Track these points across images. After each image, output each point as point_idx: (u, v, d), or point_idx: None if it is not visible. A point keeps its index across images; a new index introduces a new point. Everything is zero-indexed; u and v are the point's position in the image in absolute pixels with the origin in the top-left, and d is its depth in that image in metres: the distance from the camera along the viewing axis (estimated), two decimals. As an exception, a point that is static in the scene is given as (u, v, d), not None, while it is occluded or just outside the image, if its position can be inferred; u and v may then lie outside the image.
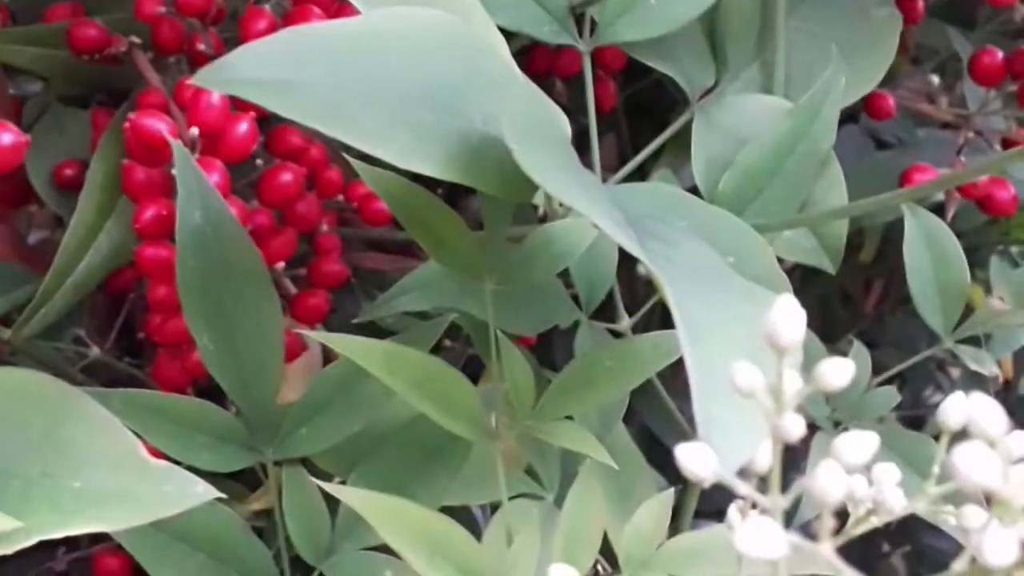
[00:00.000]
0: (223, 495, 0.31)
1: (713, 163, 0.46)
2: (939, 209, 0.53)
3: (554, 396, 0.37)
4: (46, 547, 0.46)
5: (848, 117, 0.65)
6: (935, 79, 0.65)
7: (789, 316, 0.23)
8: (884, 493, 0.24)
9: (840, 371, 0.21)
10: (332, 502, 0.39)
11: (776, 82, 0.48)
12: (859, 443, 0.21)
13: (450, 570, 0.34)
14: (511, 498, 0.40)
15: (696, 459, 0.23)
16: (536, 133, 0.32)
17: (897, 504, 0.24)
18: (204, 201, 0.37)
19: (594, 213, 0.29)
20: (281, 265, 0.44)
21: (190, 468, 0.32)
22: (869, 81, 0.48)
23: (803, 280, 0.81)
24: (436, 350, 0.53)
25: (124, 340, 0.52)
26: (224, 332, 0.37)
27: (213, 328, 0.37)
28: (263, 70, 0.31)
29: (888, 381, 0.49)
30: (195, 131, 0.38)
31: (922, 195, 0.45)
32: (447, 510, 0.37)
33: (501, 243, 0.37)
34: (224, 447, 0.38)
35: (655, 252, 0.31)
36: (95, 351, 0.46)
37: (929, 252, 0.47)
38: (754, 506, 0.23)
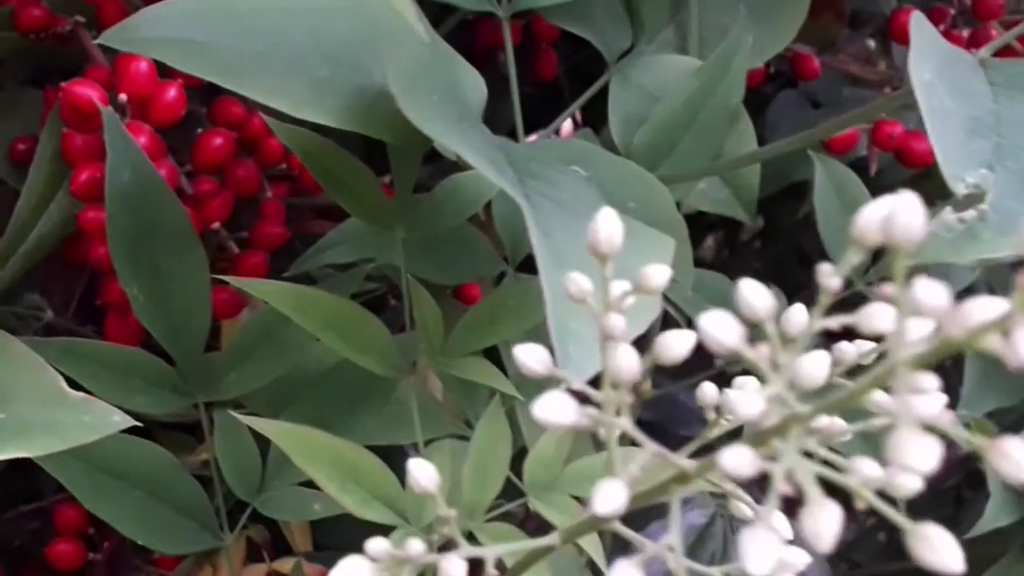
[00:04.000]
0: (138, 423, 0.33)
1: (629, 120, 0.48)
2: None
3: (462, 334, 0.39)
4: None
5: (788, 83, 0.67)
6: (871, 43, 0.67)
7: (609, 227, 0.25)
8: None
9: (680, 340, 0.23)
10: (264, 444, 0.41)
11: (690, 43, 0.50)
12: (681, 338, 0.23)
13: (362, 494, 0.37)
14: (440, 439, 0.43)
15: (531, 358, 0.25)
16: (424, 83, 0.35)
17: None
18: (132, 162, 0.39)
19: (467, 152, 0.32)
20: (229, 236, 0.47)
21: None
22: (780, 41, 0.51)
23: (763, 242, 0.83)
24: (381, 308, 0.55)
25: (86, 308, 0.55)
26: (152, 283, 0.39)
27: (141, 280, 0.39)
28: (166, 30, 0.33)
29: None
30: (124, 97, 0.41)
31: (820, 137, 0.47)
32: (384, 452, 0.40)
33: (408, 193, 0.40)
34: (157, 391, 0.40)
35: (531, 189, 0.34)
36: (49, 314, 0.49)
37: (839, 200, 0.49)
38: (588, 400, 0.25)
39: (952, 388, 0.64)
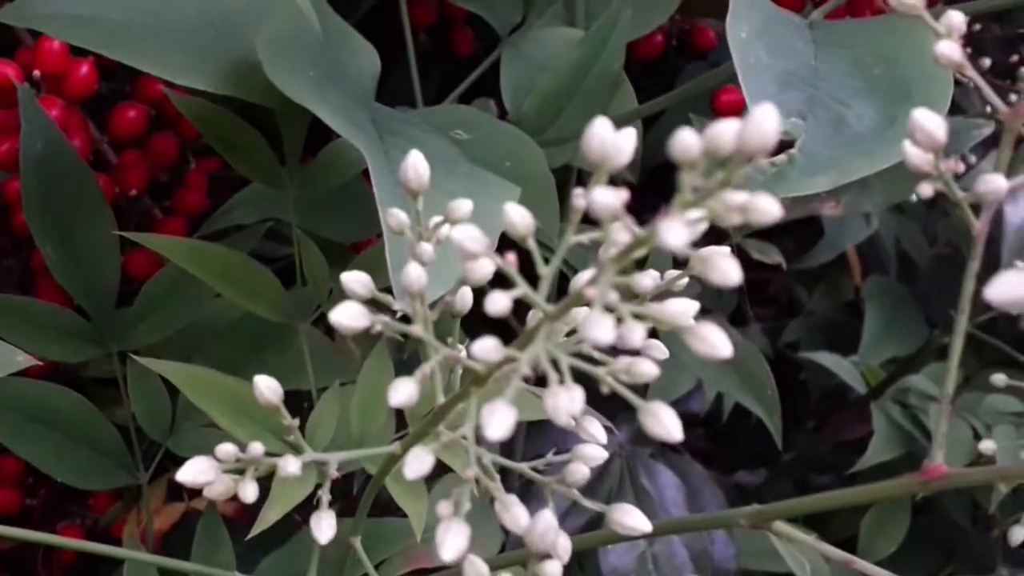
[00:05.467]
0: (37, 362, 0.37)
1: (519, 89, 0.52)
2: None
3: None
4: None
5: (697, 56, 0.71)
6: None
7: (417, 168, 0.29)
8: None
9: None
10: (176, 390, 0.45)
11: (577, 16, 0.53)
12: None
13: (253, 427, 0.41)
14: (342, 384, 0.47)
15: (356, 282, 0.29)
16: (297, 52, 0.38)
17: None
18: (44, 133, 0.43)
19: (323, 111, 0.35)
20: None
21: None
22: (663, 12, 0.54)
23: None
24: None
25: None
26: (65, 243, 0.43)
27: (55, 240, 0.43)
28: (56, 6, 0.37)
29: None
30: (38, 74, 0.45)
31: (681, 97, 0.50)
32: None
33: (297, 156, 0.43)
34: (72, 342, 0.44)
35: (391, 145, 0.37)
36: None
37: (714, 159, 0.52)
38: (405, 318, 0.29)
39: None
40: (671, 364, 0.61)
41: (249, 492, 0.30)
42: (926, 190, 0.25)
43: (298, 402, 0.43)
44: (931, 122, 0.24)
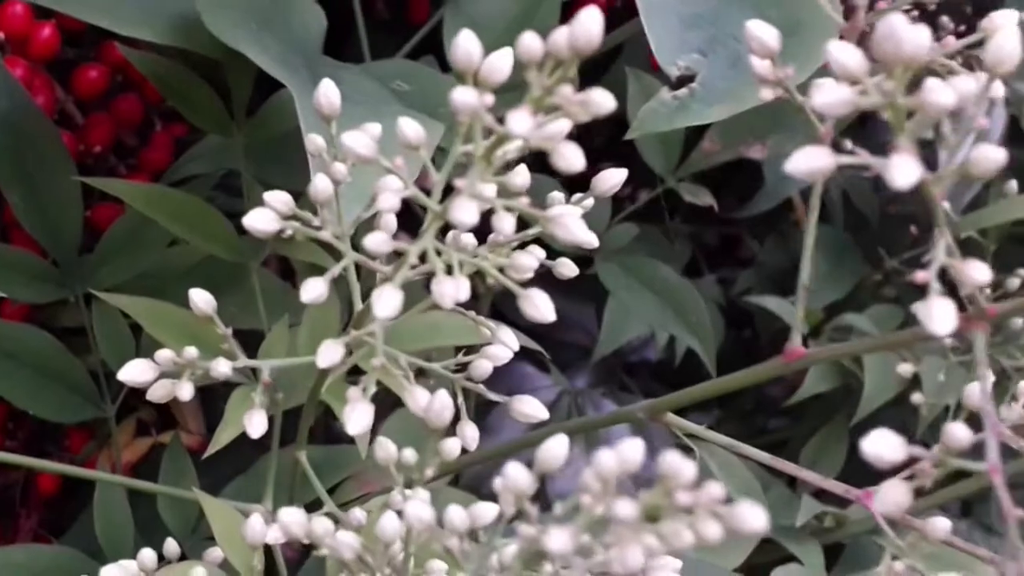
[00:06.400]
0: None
1: (462, 46, 0.55)
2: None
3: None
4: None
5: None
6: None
7: (328, 95, 0.32)
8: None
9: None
10: (138, 331, 0.48)
11: (516, -25, 0.56)
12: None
13: (207, 354, 0.44)
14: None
15: (278, 201, 0.32)
16: (236, 6, 0.42)
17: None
18: (9, 91, 0.46)
19: (258, 55, 0.38)
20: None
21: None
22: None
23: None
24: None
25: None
26: (30, 193, 0.46)
27: (21, 189, 0.46)
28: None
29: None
30: (2, 36, 0.48)
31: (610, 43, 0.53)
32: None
33: (244, 105, 0.47)
34: (41, 284, 0.47)
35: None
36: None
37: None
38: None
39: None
40: (618, 308, 0.64)
41: (185, 392, 0.33)
42: (767, 94, 0.28)
43: (255, 341, 0.47)
44: (763, 31, 0.27)
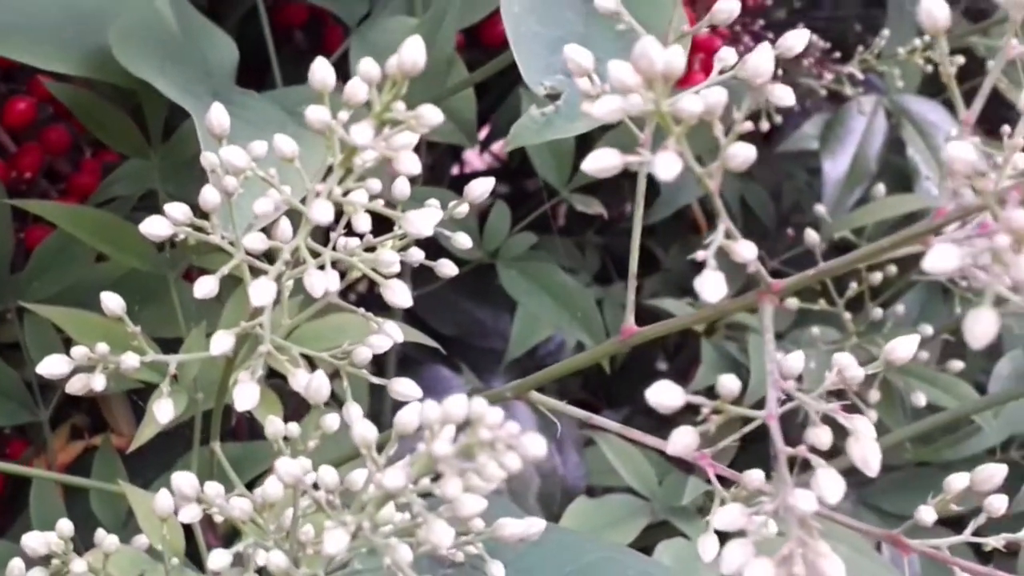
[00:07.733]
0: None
1: (367, 72, 0.60)
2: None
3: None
4: None
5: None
6: None
7: (218, 118, 0.36)
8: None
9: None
10: (69, 343, 0.52)
11: (416, 7, 0.61)
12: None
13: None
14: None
15: (178, 211, 0.36)
16: (146, 40, 0.46)
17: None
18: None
19: (162, 85, 0.43)
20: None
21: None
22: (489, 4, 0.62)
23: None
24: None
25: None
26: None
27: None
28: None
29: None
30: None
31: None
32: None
33: (159, 130, 0.51)
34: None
35: (232, 112, 0.45)
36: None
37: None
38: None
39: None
40: (527, 314, 0.69)
41: (97, 383, 0.37)
42: (588, 107, 0.33)
43: (178, 348, 0.51)
44: (578, 54, 0.32)
